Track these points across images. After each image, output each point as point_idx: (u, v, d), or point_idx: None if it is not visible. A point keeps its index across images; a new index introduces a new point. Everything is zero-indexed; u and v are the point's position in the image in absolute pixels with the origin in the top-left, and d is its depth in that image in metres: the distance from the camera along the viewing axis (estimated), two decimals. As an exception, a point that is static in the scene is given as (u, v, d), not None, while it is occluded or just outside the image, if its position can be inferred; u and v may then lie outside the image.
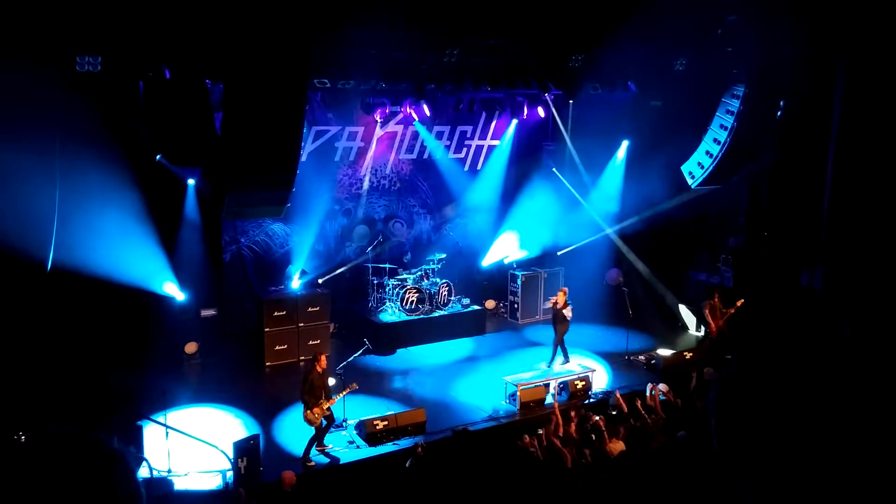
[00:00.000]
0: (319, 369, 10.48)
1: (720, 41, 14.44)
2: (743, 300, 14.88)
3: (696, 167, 15.85)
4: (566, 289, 14.33)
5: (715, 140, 15.35)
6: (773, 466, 1.27)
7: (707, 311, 15.01)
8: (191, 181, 13.92)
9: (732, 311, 14.81)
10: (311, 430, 10.42)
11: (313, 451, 10.45)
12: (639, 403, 11.31)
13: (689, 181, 15.98)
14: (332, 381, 10.82)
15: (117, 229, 12.83)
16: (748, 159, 15.99)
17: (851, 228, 15.27)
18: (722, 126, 15.14)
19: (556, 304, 14.04)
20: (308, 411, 10.30)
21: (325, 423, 10.51)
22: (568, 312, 13.89)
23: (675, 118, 15.76)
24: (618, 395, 11.64)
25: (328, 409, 10.46)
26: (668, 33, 13.68)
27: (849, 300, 15.01)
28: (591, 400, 12.49)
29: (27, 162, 11.34)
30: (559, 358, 13.93)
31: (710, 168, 15.52)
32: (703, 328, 15.51)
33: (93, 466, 1.35)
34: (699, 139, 15.64)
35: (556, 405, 11.28)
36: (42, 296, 12.35)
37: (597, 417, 10.64)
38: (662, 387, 11.72)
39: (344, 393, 10.79)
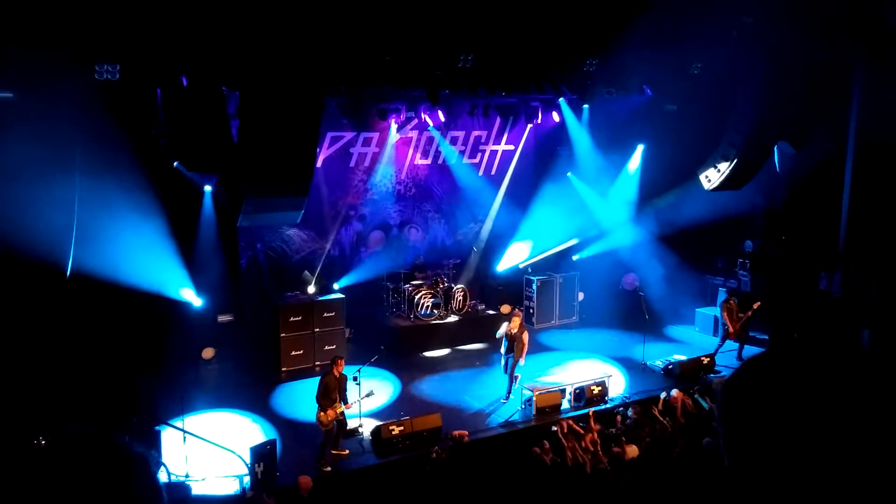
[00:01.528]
0: (336, 373, 10.54)
1: (736, 44, 14.36)
2: (759, 303, 14.77)
3: (712, 171, 15.76)
4: (520, 312, 13.36)
5: (731, 144, 15.25)
6: (785, 479, 1.24)
7: (724, 315, 14.91)
8: (208, 187, 14.02)
9: (749, 314, 14.71)
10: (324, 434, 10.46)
11: (329, 455, 10.48)
12: (655, 410, 11.27)
13: (706, 185, 15.89)
14: (350, 387, 10.84)
15: (135, 235, 12.94)
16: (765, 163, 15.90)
17: (870, 231, 15.13)
18: (738, 129, 15.04)
19: (511, 331, 12.62)
20: (321, 413, 10.37)
21: (337, 427, 10.54)
22: (525, 338, 12.68)
23: (691, 122, 15.69)
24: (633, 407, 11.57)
25: (341, 413, 10.50)
26: (682, 36, 13.63)
27: (867, 305, 14.87)
28: (607, 405, 12.41)
29: (47, 169, 11.47)
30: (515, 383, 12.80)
31: (727, 172, 15.43)
32: (720, 332, 15.40)
33: (115, 469, 1.36)
34: (715, 143, 15.55)
35: (592, 414, 11.19)
36: (61, 301, 12.47)
37: (612, 430, 10.61)
38: (675, 393, 11.65)
39: (359, 398, 10.81)
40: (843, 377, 1.26)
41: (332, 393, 10.42)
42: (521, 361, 12.59)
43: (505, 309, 17.83)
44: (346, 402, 10.57)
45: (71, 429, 1.44)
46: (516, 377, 12.69)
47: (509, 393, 12.62)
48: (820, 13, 13.26)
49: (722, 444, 1.35)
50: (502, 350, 12.81)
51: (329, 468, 10.30)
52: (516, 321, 12.60)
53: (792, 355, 1.32)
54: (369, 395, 10.97)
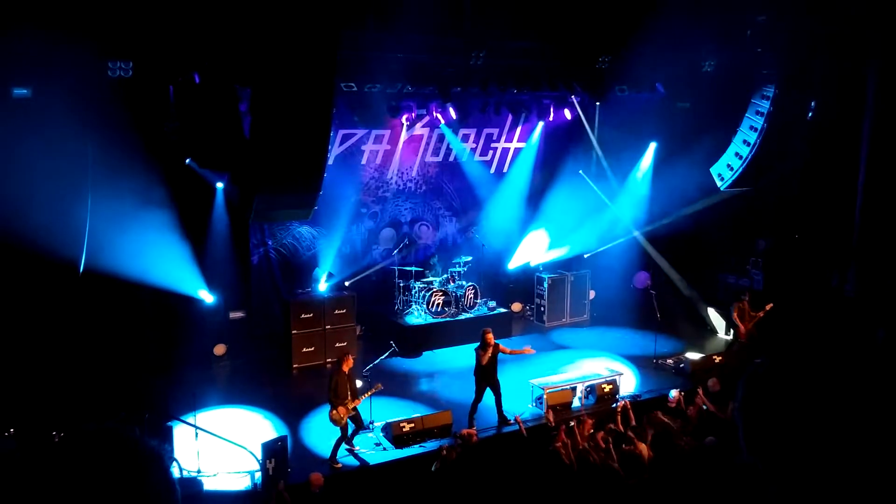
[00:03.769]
0: (346, 369, 10.55)
1: (749, 42, 14.27)
2: (772, 304, 14.66)
3: (725, 169, 15.69)
4: (490, 330, 11.75)
5: (744, 142, 15.18)
6: (802, 471, 1.26)
7: (736, 314, 14.81)
8: (219, 184, 14.07)
9: (761, 314, 14.60)
10: (338, 431, 10.49)
11: (342, 451, 10.51)
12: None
13: (719, 183, 15.82)
14: (359, 383, 10.86)
15: (147, 232, 13.01)
16: (778, 161, 15.80)
17: (884, 229, 15.01)
18: (752, 127, 14.96)
19: (490, 353, 11.42)
20: (333, 411, 10.38)
21: (351, 423, 10.56)
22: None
23: (704, 120, 15.61)
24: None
25: (354, 409, 10.51)
26: (696, 34, 13.56)
27: (882, 302, 14.75)
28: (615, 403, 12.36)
29: (60, 165, 11.55)
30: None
31: (740, 170, 15.35)
32: (732, 331, 15.33)
33: (131, 463, 1.37)
34: (728, 141, 15.48)
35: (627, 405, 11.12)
36: (74, 297, 12.55)
37: (611, 425, 10.55)
38: (675, 393, 11.56)
39: (369, 394, 10.83)
40: (858, 372, 1.28)
41: (342, 390, 10.44)
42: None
43: (516, 307, 17.83)
44: (356, 398, 10.57)
45: (88, 424, 1.45)
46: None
47: (505, 418, 11.70)
48: (833, 10, 13.16)
49: (742, 437, 1.38)
50: (477, 384, 11.60)
51: (341, 465, 10.35)
52: (490, 337, 11.48)
53: (810, 351, 1.34)
54: (377, 390, 10.96)
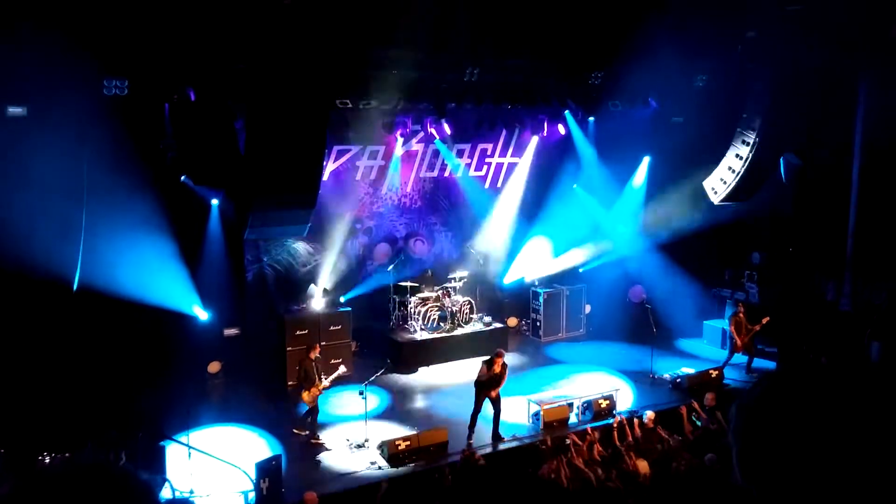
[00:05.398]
0: (312, 356, 11.88)
1: (740, 57, 14.38)
2: (768, 318, 14.66)
3: (718, 183, 15.74)
4: (503, 352, 11.84)
5: (737, 155, 15.24)
6: (799, 497, 1.23)
7: (733, 328, 14.83)
8: (214, 201, 14.04)
9: (758, 327, 14.61)
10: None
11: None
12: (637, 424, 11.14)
13: (712, 197, 15.86)
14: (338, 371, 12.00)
15: (142, 249, 12.96)
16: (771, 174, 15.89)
17: (878, 241, 15.06)
18: (744, 141, 15.04)
19: (495, 371, 11.47)
20: (304, 393, 11.73)
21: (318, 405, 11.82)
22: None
23: (697, 134, 15.68)
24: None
25: (322, 390, 11.72)
26: (687, 50, 13.65)
27: (877, 316, 14.77)
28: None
29: (55, 183, 11.52)
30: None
31: (733, 184, 15.42)
32: (728, 345, 15.31)
33: (119, 497, 1.35)
34: (721, 155, 15.54)
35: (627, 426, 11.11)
36: (68, 315, 12.48)
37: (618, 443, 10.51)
38: (650, 414, 11.45)
39: (334, 376, 11.81)
40: (858, 396, 1.25)
41: (311, 374, 11.69)
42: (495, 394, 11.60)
43: (512, 322, 17.79)
44: (321, 379, 11.72)
45: (78, 454, 1.42)
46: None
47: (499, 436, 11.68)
48: (823, 24, 13.27)
49: (735, 461, 1.35)
50: (476, 395, 11.54)
51: (307, 432, 11.66)
52: (499, 361, 11.49)
53: (807, 372, 1.32)
54: (342, 374, 12.13)
